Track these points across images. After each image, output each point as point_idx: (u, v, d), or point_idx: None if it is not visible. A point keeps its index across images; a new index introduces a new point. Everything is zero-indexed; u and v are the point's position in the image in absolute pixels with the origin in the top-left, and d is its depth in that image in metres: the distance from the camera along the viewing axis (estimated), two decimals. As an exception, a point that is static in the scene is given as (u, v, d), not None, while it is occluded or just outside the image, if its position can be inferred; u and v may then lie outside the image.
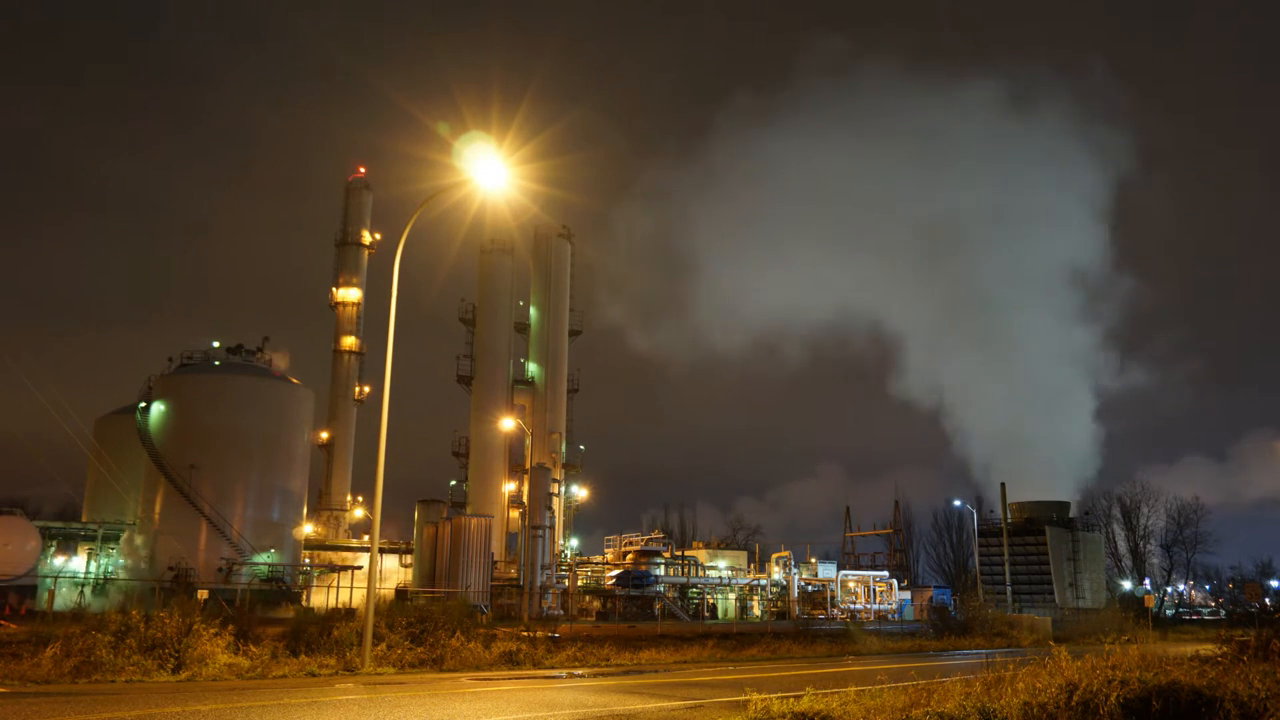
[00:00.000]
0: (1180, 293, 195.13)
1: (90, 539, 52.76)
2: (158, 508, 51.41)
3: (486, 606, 48.49)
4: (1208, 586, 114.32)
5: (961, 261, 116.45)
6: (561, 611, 56.10)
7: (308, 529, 62.00)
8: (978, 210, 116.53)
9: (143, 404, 54.12)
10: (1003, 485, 71.71)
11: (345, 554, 63.54)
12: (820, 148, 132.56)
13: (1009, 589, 67.83)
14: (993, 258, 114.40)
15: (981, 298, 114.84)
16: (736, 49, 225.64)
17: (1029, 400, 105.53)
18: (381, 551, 59.84)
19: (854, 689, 13.22)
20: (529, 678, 20.98)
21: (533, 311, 71.64)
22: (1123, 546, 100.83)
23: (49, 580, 48.39)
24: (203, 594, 34.25)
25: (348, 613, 32.58)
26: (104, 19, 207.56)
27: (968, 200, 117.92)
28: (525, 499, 59.13)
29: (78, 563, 52.82)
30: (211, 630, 20.06)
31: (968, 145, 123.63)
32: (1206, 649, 20.22)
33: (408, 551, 62.47)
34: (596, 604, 62.65)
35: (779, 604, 71.48)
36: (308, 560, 59.22)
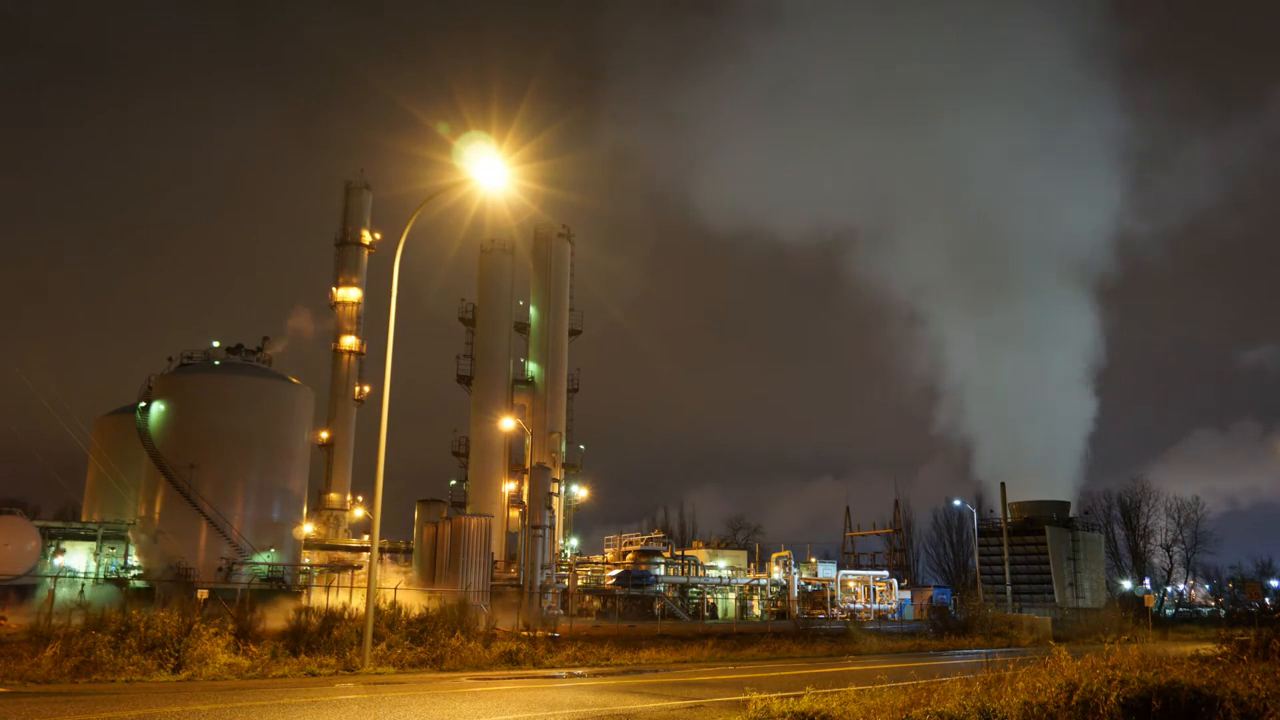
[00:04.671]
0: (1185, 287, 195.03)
1: (90, 539, 52.76)
2: (158, 507, 51.40)
3: (486, 606, 48.46)
4: (1208, 586, 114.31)
5: (965, 256, 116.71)
6: (561, 611, 56.12)
7: (308, 529, 62.00)
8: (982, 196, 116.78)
9: (143, 404, 54.11)
10: (1003, 485, 71.67)
11: (345, 554, 63.53)
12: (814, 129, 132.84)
13: (1009, 589, 67.81)
14: (995, 250, 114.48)
15: (981, 294, 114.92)
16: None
17: (1030, 399, 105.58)
18: (382, 551, 59.93)
19: (854, 689, 13.22)
20: (529, 677, 20.98)
21: (532, 311, 71.61)
22: (1123, 546, 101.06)
23: (49, 580, 48.37)
24: (203, 593, 34.22)
25: (346, 612, 32.50)
26: (100, 18, 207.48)
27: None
28: (525, 499, 59.11)
29: (78, 562, 52.80)
30: (211, 630, 20.07)
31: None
32: (1206, 648, 20.24)
33: (407, 551, 62.44)
34: (596, 604, 62.71)
35: (779, 604, 71.50)
36: (307, 560, 59.24)
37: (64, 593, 48.12)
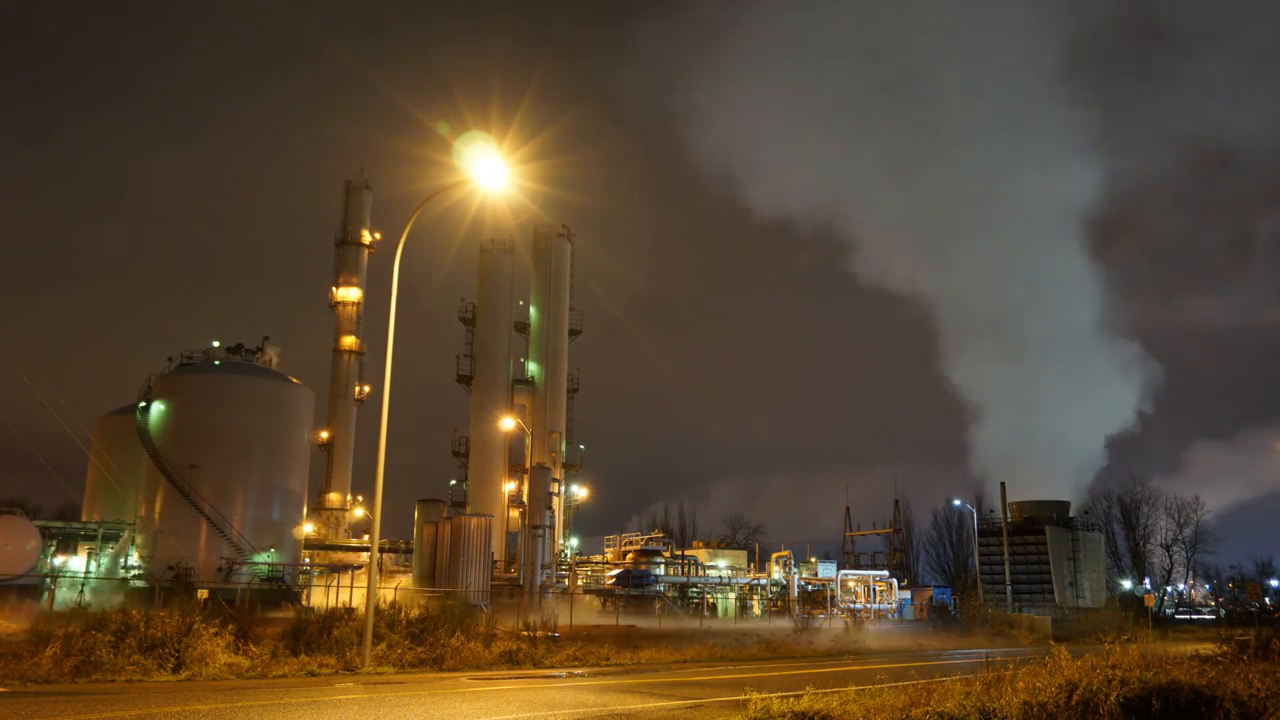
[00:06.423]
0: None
1: (90, 539, 52.77)
2: (158, 507, 51.42)
3: (486, 605, 48.50)
4: (1208, 586, 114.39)
5: (967, 255, 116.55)
6: (561, 611, 56.10)
7: (308, 529, 62.03)
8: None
9: (143, 404, 54.12)
10: (1003, 485, 71.85)
11: (345, 553, 63.55)
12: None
13: (1009, 589, 67.94)
14: (1000, 247, 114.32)
15: (984, 293, 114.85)
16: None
17: (1031, 398, 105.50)
18: (382, 551, 59.96)
19: (854, 688, 13.25)
20: (529, 677, 20.98)
21: (532, 311, 71.63)
22: (1123, 546, 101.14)
23: (49, 580, 48.40)
24: (203, 594, 34.24)
25: (347, 612, 32.61)
26: (97, 17, 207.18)
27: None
28: (525, 499, 59.14)
29: (78, 563, 52.83)
30: (211, 630, 20.08)
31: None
32: (1206, 648, 20.24)
33: (407, 551, 62.44)
34: (597, 603, 62.68)
35: (779, 603, 71.45)
36: (308, 560, 59.26)
37: (64, 593, 48.17)
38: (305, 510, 59.38)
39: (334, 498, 74.36)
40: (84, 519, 56.31)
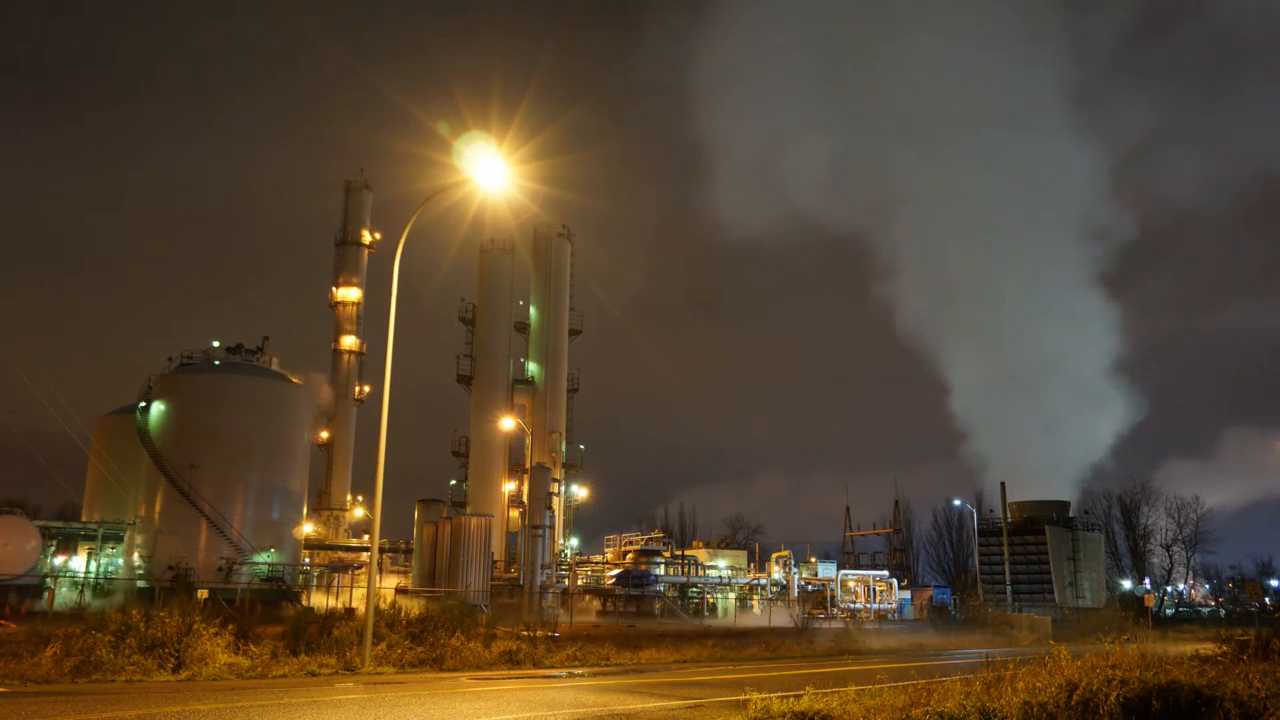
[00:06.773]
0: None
1: (90, 539, 52.79)
2: (158, 507, 51.43)
3: (486, 605, 48.52)
4: (1208, 586, 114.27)
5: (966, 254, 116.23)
6: (561, 610, 56.09)
7: (308, 529, 62.04)
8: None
9: (143, 404, 54.15)
10: (1003, 485, 71.80)
11: (345, 553, 63.55)
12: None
13: (1009, 588, 67.95)
14: (1002, 245, 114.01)
15: (984, 293, 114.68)
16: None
17: (1031, 398, 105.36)
18: (382, 551, 60.00)
19: (854, 688, 13.25)
20: (529, 677, 20.97)
21: (532, 311, 71.65)
22: (1123, 546, 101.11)
23: (49, 580, 48.41)
24: (203, 594, 34.23)
25: (347, 612, 32.63)
26: (97, 18, 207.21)
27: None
28: (525, 499, 59.14)
29: (78, 563, 52.84)
30: (211, 630, 20.05)
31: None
32: (1206, 648, 20.22)
33: (407, 551, 62.45)
34: (596, 603, 62.69)
35: (779, 603, 71.38)
36: (307, 560, 59.27)
37: (64, 593, 48.19)
38: (305, 510, 59.43)
39: (334, 498, 74.37)
40: (84, 519, 56.34)
